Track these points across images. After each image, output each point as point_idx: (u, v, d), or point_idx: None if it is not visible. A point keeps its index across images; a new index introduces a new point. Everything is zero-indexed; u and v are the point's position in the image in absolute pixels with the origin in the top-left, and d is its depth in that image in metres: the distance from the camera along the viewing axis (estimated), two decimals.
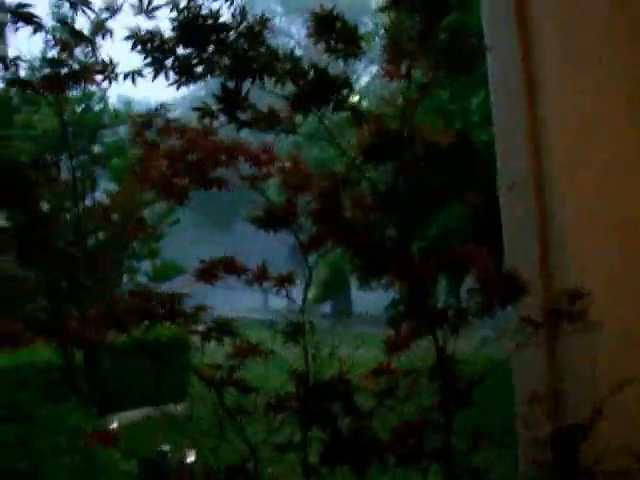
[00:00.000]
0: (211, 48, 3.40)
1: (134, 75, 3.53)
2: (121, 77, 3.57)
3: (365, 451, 3.49)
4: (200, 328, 3.63)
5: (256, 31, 3.39)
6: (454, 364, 3.49)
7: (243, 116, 3.53)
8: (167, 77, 3.43)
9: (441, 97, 11.13)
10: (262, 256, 3.85)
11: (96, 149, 13.94)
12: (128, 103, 15.03)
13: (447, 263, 3.53)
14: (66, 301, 12.93)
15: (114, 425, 8.08)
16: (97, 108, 13.99)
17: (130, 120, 3.68)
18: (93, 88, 3.40)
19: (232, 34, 3.39)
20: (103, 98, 14.04)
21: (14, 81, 3.42)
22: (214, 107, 3.53)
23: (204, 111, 3.57)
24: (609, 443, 3.60)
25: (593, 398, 3.64)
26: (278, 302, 3.80)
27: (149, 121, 3.66)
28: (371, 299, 16.34)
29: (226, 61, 3.43)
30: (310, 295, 3.74)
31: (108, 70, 3.54)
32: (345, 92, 3.46)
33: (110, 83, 3.53)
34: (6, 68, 3.41)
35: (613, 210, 4.31)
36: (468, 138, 10.33)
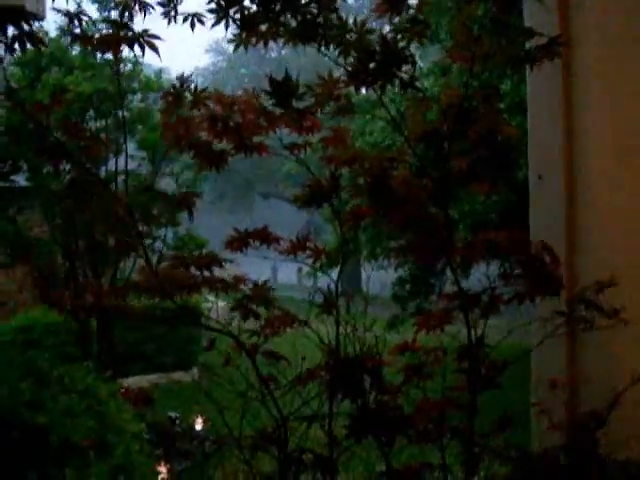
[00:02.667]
0: (279, 6, 3.37)
1: (194, 18, 3.47)
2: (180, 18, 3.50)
3: (391, 425, 3.56)
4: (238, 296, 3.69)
5: None
6: (483, 346, 3.55)
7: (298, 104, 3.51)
8: (227, 27, 3.40)
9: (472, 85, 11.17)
10: (280, 230, 3.87)
11: (123, 114, 13.94)
12: (159, 71, 14.96)
13: (492, 248, 3.55)
14: (83, 261, 13.05)
15: (123, 389, 8.17)
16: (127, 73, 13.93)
17: (164, 92, 3.65)
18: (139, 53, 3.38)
19: None
20: (135, 62, 13.99)
21: (77, 36, 3.43)
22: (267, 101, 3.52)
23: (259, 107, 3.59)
24: (625, 433, 3.67)
25: (611, 388, 3.69)
26: (286, 277, 3.85)
27: (183, 88, 3.60)
28: (380, 280, 16.37)
29: (291, 23, 3.40)
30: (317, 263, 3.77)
31: (170, 5, 3.49)
32: (410, 70, 3.44)
33: (169, 21, 3.47)
34: (70, 21, 3.44)
35: None
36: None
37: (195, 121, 3.60)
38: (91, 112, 13.49)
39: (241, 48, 3.54)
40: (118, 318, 11.58)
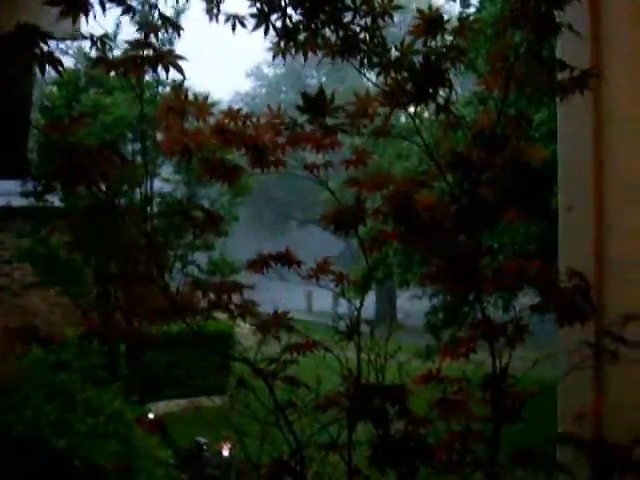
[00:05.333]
0: (322, 18, 3.34)
1: (235, 20, 3.43)
2: (222, 19, 3.45)
3: (413, 455, 3.50)
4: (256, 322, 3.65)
5: (377, 12, 3.35)
6: (507, 377, 3.48)
7: (330, 121, 3.47)
8: (266, 33, 3.37)
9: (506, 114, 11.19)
10: (315, 256, 3.81)
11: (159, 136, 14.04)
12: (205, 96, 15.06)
13: (515, 278, 3.49)
14: (115, 287, 13.07)
15: (151, 414, 8.15)
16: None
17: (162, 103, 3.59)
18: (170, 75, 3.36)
19: (349, 12, 3.33)
20: (175, 86, 14.10)
21: (100, 59, 3.39)
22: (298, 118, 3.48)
23: (288, 124, 3.52)
24: None
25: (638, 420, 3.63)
26: (322, 305, 3.82)
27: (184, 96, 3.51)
28: (416, 309, 16.32)
29: (333, 36, 3.38)
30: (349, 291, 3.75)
31: (213, 3, 3.45)
32: (446, 93, 3.42)
33: (210, 19, 3.43)
34: (93, 44, 3.41)
35: None
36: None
37: (204, 135, 3.53)
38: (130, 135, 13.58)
39: (281, 73, 3.52)
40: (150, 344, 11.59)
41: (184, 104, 3.48)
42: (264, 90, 45.84)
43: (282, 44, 3.45)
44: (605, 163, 4.45)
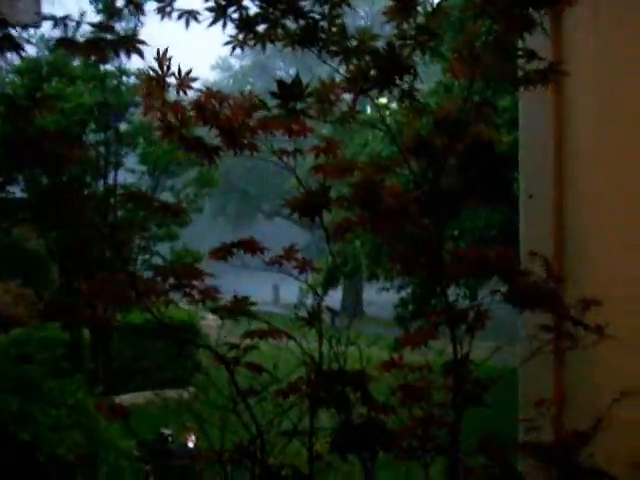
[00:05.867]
0: (280, 8, 3.32)
1: (189, 16, 3.39)
2: (175, 15, 3.42)
3: (374, 441, 3.51)
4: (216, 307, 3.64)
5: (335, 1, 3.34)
6: (468, 363, 3.50)
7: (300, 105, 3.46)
8: (224, 27, 3.34)
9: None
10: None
11: (123, 127, 13.94)
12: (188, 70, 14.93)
13: (477, 264, 3.50)
14: (79, 275, 13.02)
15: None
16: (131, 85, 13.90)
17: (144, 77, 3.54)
18: (132, 62, 3.34)
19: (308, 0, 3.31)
20: (138, 76, 13.97)
21: (63, 40, 3.35)
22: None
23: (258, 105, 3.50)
24: (610, 451, 3.63)
25: (597, 407, 3.65)
26: (289, 297, 3.82)
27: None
28: (383, 301, 16.36)
29: (293, 26, 3.37)
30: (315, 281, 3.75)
31: (165, 2, 3.42)
32: (410, 80, 3.41)
33: (162, 17, 3.40)
34: (55, 25, 3.38)
35: (635, 227, 4.33)
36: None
37: (184, 111, 3.48)
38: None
39: (247, 64, 3.51)
40: (113, 333, 11.56)
41: (165, 74, 3.41)
42: (231, 82, 45.75)
43: (241, 37, 3.42)
44: (565, 150, 4.49)
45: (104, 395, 9.81)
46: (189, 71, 3.45)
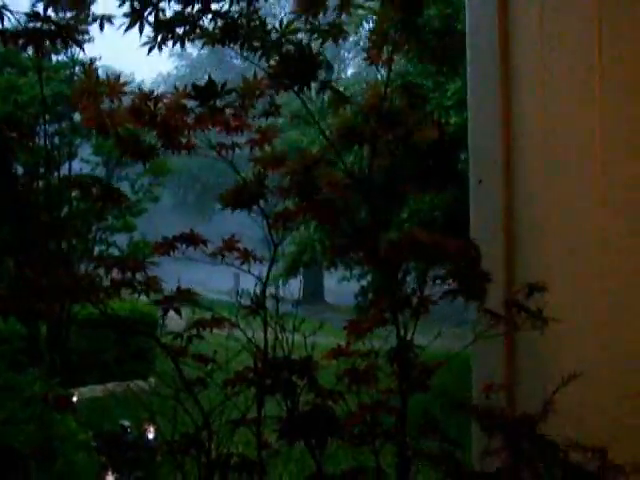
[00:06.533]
0: (197, 7, 3.36)
1: (103, 20, 3.45)
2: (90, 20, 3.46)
3: (322, 428, 3.52)
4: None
5: None
6: (412, 349, 3.51)
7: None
8: (141, 31, 3.36)
9: (426, 85, 11.30)
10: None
11: (78, 118, 13.84)
12: (118, 76, 14.92)
13: (416, 250, 3.51)
14: (32, 267, 12.90)
15: (74, 398, 8.05)
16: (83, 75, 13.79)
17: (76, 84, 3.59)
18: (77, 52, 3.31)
19: None
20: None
21: None
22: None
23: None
24: (558, 436, 3.66)
25: (546, 391, 3.67)
26: (249, 284, 3.82)
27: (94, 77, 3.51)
28: (344, 291, 16.39)
29: (211, 25, 3.41)
30: (276, 271, 3.78)
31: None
32: (327, 72, 3.46)
33: (81, 23, 3.41)
34: None
35: (579, 211, 4.35)
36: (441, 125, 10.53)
37: (121, 114, 3.53)
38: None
39: (204, 53, 3.54)
40: (69, 324, 11.49)
41: (95, 85, 3.47)
42: (188, 70, 45.54)
43: (159, 37, 3.44)
44: (514, 134, 4.49)
45: (62, 388, 9.74)
46: (118, 77, 3.51)
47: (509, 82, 4.48)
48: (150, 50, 3.47)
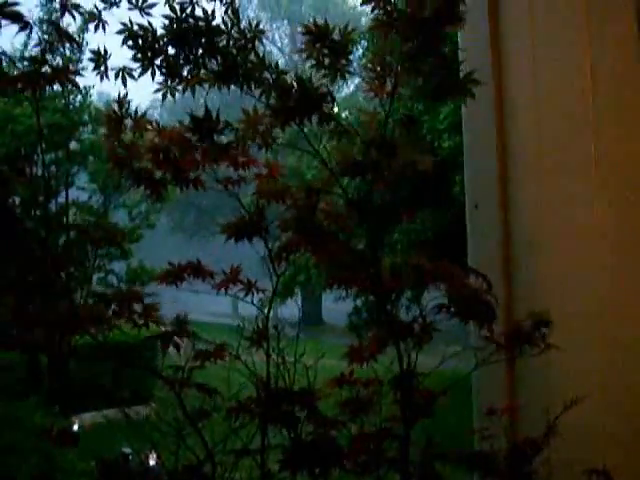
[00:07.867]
0: (201, 51, 3.41)
1: (124, 73, 3.48)
2: (112, 74, 3.52)
3: (326, 458, 3.52)
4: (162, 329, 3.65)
5: (248, 37, 3.42)
6: (415, 376, 3.51)
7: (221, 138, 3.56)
8: (153, 77, 3.44)
9: (417, 108, 11.34)
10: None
11: (74, 146, 13.85)
12: (109, 102, 14.93)
13: (418, 279, 3.52)
14: (31, 300, 12.87)
15: (75, 426, 8.02)
16: (78, 104, 13.82)
17: (105, 114, 3.66)
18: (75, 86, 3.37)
19: (223, 37, 3.40)
20: (86, 94, 13.88)
21: None
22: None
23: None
24: (562, 459, 3.66)
25: (549, 415, 3.68)
26: (248, 309, 3.82)
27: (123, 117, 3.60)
28: (341, 309, 16.37)
29: (214, 65, 3.44)
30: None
31: (100, 62, 3.51)
32: (328, 106, 3.48)
33: (102, 78, 3.50)
34: None
35: (577, 232, 4.36)
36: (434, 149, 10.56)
37: (138, 149, 3.61)
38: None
39: None
40: (69, 354, 11.45)
41: (123, 118, 3.58)
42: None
43: (169, 82, 3.52)
44: (508, 152, 4.51)
45: (63, 416, 9.70)
46: (144, 113, 3.60)
47: (501, 99, 4.50)
48: (164, 97, 3.56)
